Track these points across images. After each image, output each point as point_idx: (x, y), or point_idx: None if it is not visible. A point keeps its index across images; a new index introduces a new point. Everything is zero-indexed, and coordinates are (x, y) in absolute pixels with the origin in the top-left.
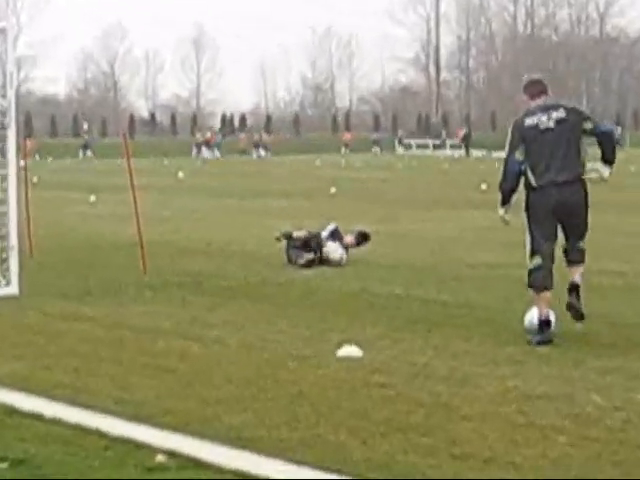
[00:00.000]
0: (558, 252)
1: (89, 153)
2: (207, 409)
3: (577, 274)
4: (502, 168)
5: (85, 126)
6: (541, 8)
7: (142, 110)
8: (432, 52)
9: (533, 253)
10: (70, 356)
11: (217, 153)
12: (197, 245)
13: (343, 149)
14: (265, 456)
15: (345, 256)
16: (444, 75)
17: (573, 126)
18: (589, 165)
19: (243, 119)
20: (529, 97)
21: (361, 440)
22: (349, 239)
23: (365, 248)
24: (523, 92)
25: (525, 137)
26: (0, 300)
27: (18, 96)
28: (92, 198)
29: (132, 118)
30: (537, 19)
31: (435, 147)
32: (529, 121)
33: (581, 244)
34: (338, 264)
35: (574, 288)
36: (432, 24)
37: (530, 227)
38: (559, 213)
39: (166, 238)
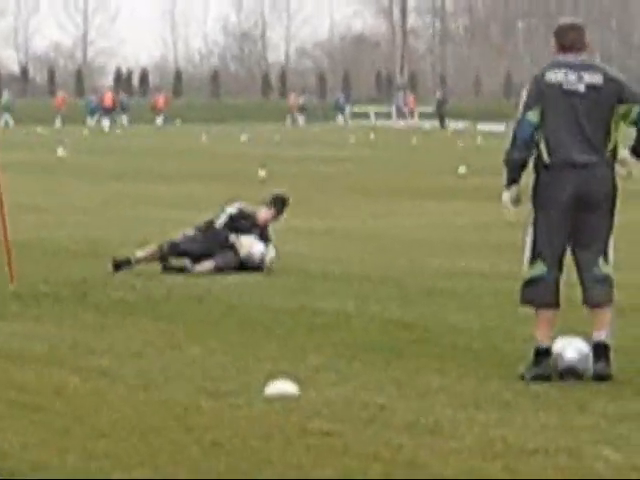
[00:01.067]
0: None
1: None
2: (91, 464)
3: (602, 326)
4: (511, 133)
5: None
6: None
7: (10, 63)
8: None
9: (534, 257)
10: None
11: (124, 120)
12: (81, 246)
13: (289, 118)
14: None
15: (268, 251)
16: (412, 21)
17: (608, 98)
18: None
19: (144, 76)
20: (559, 48)
21: None
22: (264, 214)
23: (305, 251)
24: (554, 39)
25: (544, 96)
26: None
27: None
28: None
29: None
30: None
31: (399, 116)
32: (551, 76)
33: (602, 267)
34: (261, 266)
35: (600, 349)
36: None
37: (535, 221)
38: (575, 207)
39: (40, 236)
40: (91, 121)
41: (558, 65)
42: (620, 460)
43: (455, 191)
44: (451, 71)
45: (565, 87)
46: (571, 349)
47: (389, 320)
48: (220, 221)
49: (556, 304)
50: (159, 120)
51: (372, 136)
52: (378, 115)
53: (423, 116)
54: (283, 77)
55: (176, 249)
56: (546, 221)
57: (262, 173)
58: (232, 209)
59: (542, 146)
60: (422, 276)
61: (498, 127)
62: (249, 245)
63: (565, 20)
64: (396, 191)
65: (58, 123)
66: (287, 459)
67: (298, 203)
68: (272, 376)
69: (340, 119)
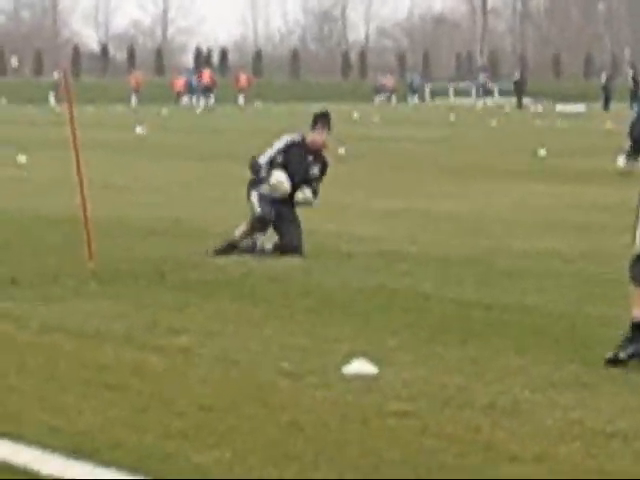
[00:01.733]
0: None
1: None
2: (168, 443)
3: None
4: (637, 110)
5: (14, 61)
6: None
7: (90, 42)
8: None
9: None
10: None
11: (212, 101)
12: (161, 224)
13: (376, 98)
14: None
15: (304, 192)
16: (492, 1)
17: None
18: None
19: (224, 56)
20: None
21: None
22: (317, 137)
23: (384, 232)
24: None
25: None
26: None
27: None
28: (21, 159)
29: (77, 52)
30: None
31: (479, 95)
32: None
33: None
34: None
35: None
36: None
37: None
38: None
39: (120, 214)
40: (190, 100)
41: None
42: None
43: (536, 173)
44: (531, 51)
45: None
46: None
47: (467, 301)
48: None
49: None
50: (241, 99)
51: (452, 117)
52: (457, 93)
53: (503, 94)
54: (363, 57)
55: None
56: None
57: (341, 150)
58: (281, 143)
59: None
60: (501, 257)
61: (578, 108)
62: (277, 177)
63: None
64: (476, 172)
65: (134, 102)
66: (364, 440)
67: (380, 183)
68: (350, 356)
69: (413, 100)
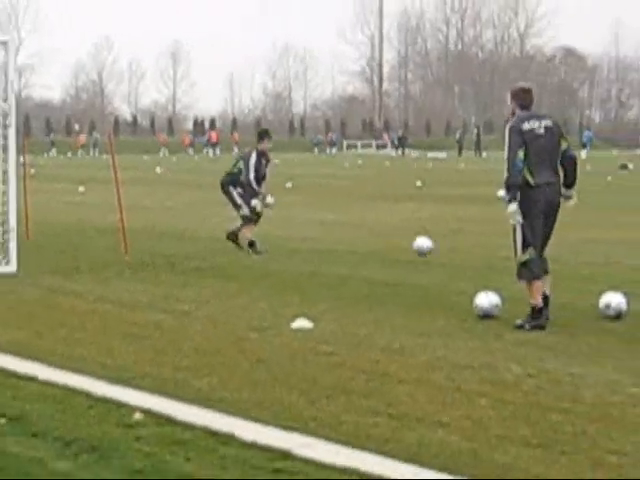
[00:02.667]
0: None
1: (96, 152)
2: (178, 374)
3: (548, 284)
4: (507, 167)
5: (76, 127)
6: (470, 29)
7: (125, 113)
8: (376, 66)
9: (526, 246)
10: (60, 326)
11: (217, 152)
12: (172, 231)
13: (316, 150)
14: (228, 414)
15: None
16: (386, 86)
17: (555, 136)
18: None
19: (212, 122)
20: (520, 104)
21: (310, 401)
22: (265, 146)
23: (318, 235)
24: (513, 99)
25: (525, 140)
26: (0, 277)
27: (18, 100)
28: (81, 189)
29: (117, 120)
30: (466, 38)
31: (378, 147)
32: (527, 125)
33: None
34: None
35: (546, 299)
36: (376, 42)
37: (525, 222)
38: (547, 211)
39: (145, 225)
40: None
41: (528, 118)
42: (520, 371)
43: (414, 196)
44: (410, 119)
45: (536, 132)
46: (487, 300)
47: (372, 280)
48: (251, 175)
49: (542, 276)
50: (216, 151)
51: (359, 161)
52: (363, 146)
53: (392, 146)
54: (302, 123)
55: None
56: (531, 222)
57: (289, 184)
58: (253, 159)
59: (527, 173)
60: (394, 251)
61: (441, 155)
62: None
63: (520, 85)
64: (376, 196)
65: (162, 153)
66: (305, 370)
67: (313, 204)
68: (295, 316)
69: (333, 150)
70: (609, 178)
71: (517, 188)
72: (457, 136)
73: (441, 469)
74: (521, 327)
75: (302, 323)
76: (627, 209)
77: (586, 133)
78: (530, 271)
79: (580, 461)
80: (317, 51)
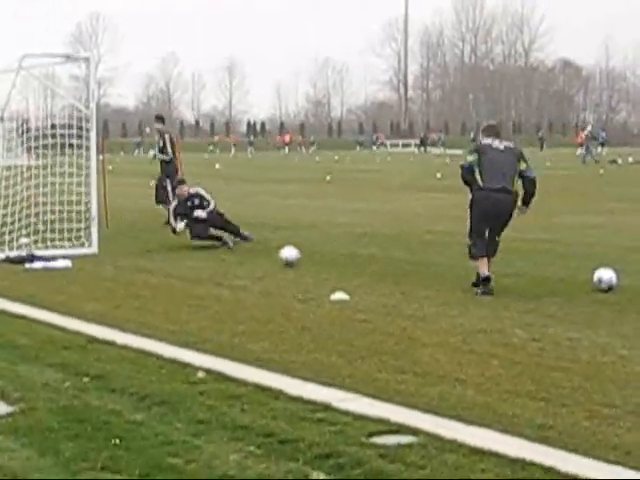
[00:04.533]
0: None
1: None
2: (235, 339)
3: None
4: (461, 168)
5: (147, 130)
6: (482, 45)
7: (189, 118)
8: (402, 76)
9: (470, 234)
10: (135, 298)
11: (252, 151)
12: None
13: (358, 147)
14: (277, 373)
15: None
16: (410, 93)
17: (514, 156)
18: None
19: (263, 125)
20: (485, 135)
21: (347, 362)
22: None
23: (353, 221)
24: (482, 133)
25: (479, 149)
26: (84, 257)
27: (98, 107)
28: (152, 182)
29: (182, 124)
30: (479, 52)
31: (403, 146)
32: (486, 141)
33: (497, 238)
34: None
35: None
36: (402, 56)
37: (471, 219)
38: (489, 212)
39: None
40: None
41: (489, 137)
42: (525, 335)
43: (435, 187)
44: (431, 121)
45: (493, 146)
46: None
47: (398, 259)
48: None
49: (487, 254)
50: (285, 150)
51: (388, 158)
52: (392, 145)
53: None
54: (339, 125)
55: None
56: (475, 216)
57: (328, 177)
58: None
59: (478, 177)
60: (416, 234)
61: (458, 152)
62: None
63: (487, 123)
64: (402, 187)
65: (233, 151)
66: (343, 335)
67: (349, 194)
68: (334, 290)
69: (374, 148)
70: (601, 171)
71: (466, 183)
72: (471, 135)
73: (459, 419)
74: (476, 294)
75: (340, 295)
76: (616, 197)
77: (602, 134)
78: (473, 252)
79: (577, 412)
80: (352, 64)
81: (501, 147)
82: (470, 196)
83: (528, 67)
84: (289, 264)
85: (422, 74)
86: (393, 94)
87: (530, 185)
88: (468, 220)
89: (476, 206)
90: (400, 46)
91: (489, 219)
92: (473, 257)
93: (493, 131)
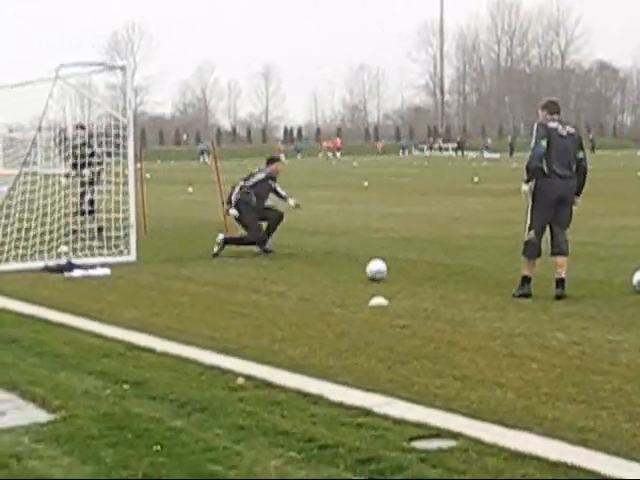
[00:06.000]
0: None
1: (206, 158)
2: (274, 345)
3: (563, 268)
4: (530, 154)
5: (184, 137)
6: (518, 48)
7: (226, 125)
8: (438, 81)
9: (530, 228)
10: (173, 306)
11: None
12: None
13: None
14: (317, 378)
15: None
16: (447, 98)
17: (575, 143)
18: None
19: (299, 131)
20: (548, 112)
21: (387, 367)
22: (274, 167)
23: (390, 226)
24: (542, 109)
25: (548, 134)
26: (122, 265)
27: (135, 115)
28: (190, 189)
29: (219, 131)
30: (515, 56)
31: (441, 150)
32: (552, 124)
33: (567, 235)
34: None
35: (560, 281)
36: (437, 60)
37: (533, 208)
38: (557, 202)
39: None
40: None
41: (553, 120)
42: (565, 338)
43: (472, 191)
44: (468, 125)
45: (559, 132)
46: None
47: (436, 262)
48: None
49: (534, 257)
50: (338, 155)
51: (425, 163)
52: (429, 149)
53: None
54: (376, 130)
55: None
56: (541, 209)
57: (365, 183)
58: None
59: (544, 163)
60: (454, 238)
61: (495, 155)
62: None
63: (548, 98)
64: (439, 191)
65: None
66: (382, 340)
67: (386, 199)
68: (373, 294)
69: (404, 153)
70: (639, 173)
71: (534, 172)
72: (509, 139)
73: (500, 423)
74: (513, 296)
75: (378, 300)
76: None
77: None
78: (526, 251)
79: (618, 415)
80: (388, 68)
81: (564, 132)
82: (524, 185)
83: (565, 69)
84: (375, 279)
85: (458, 78)
86: (429, 98)
87: (584, 175)
88: (529, 213)
89: (542, 195)
90: (436, 50)
91: (556, 207)
92: (526, 257)
93: (555, 109)
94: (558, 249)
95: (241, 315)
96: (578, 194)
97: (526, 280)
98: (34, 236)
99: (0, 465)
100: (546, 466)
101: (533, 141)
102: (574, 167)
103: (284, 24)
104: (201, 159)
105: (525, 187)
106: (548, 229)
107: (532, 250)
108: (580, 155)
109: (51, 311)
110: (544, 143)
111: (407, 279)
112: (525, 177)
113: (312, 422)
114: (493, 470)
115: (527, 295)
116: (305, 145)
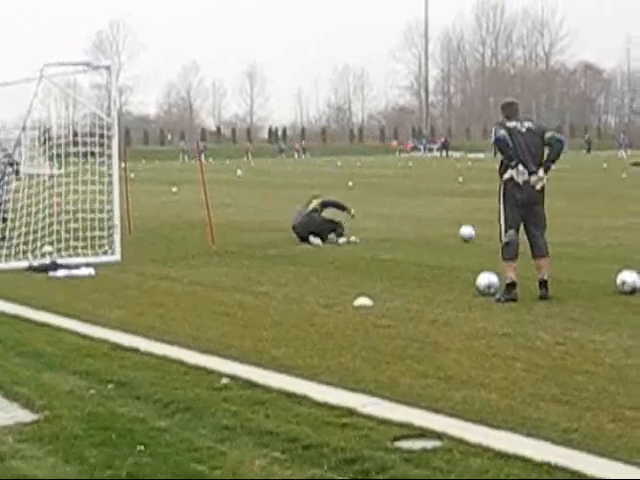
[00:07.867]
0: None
1: (187, 158)
2: (259, 345)
3: (545, 269)
4: (499, 149)
5: (169, 136)
6: (503, 48)
7: (210, 125)
8: (422, 81)
9: (506, 229)
10: (158, 306)
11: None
12: (251, 224)
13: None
14: (301, 378)
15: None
16: (431, 98)
17: (537, 135)
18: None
19: (284, 131)
20: (505, 115)
21: (372, 367)
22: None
23: (375, 226)
24: (501, 111)
25: (508, 132)
26: (107, 265)
27: (120, 115)
28: (174, 189)
29: (203, 131)
30: (499, 57)
31: (425, 150)
32: (510, 124)
33: (545, 236)
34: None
35: (543, 283)
36: (422, 60)
37: (505, 210)
38: (525, 200)
39: (229, 219)
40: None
41: (510, 120)
42: (549, 339)
43: (457, 191)
44: (453, 126)
45: (517, 129)
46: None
47: (421, 263)
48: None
49: (514, 259)
50: (303, 155)
51: (410, 163)
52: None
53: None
54: (360, 131)
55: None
56: (510, 207)
57: (350, 183)
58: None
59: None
60: (439, 239)
61: (479, 155)
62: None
63: (505, 100)
64: (424, 192)
65: (250, 158)
66: (366, 341)
67: (371, 200)
68: (357, 295)
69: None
70: (624, 175)
71: (500, 144)
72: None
73: (484, 423)
74: (498, 300)
75: (363, 301)
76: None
77: (622, 136)
78: (506, 252)
79: (602, 416)
80: (372, 69)
81: (523, 130)
82: (501, 186)
83: (549, 70)
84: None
85: (443, 79)
86: (414, 99)
87: (558, 146)
88: (501, 215)
89: (510, 195)
90: (420, 51)
91: (527, 206)
92: (505, 259)
93: (511, 111)
94: (539, 251)
95: (226, 315)
96: (545, 168)
97: (512, 285)
98: (18, 236)
99: None
100: (530, 466)
101: (494, 141)
102: (540, 158)
103: (269, 24)
104: (181, 158)
105: (541, 173)
106: (526, 233)
107: (512, 248)
108: (548, 135)
109: (35, 311)
110: (502, 131)
111: (391, 279)
112: (525, 170)
113: (296, 422)
114: (477, 470)
115: (514, 300)
116: (288, 146)
